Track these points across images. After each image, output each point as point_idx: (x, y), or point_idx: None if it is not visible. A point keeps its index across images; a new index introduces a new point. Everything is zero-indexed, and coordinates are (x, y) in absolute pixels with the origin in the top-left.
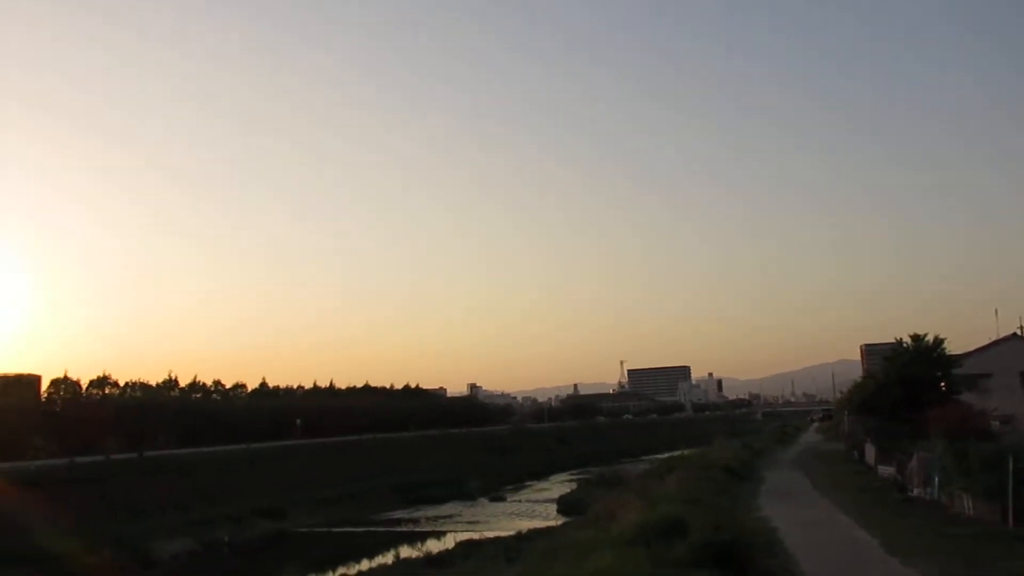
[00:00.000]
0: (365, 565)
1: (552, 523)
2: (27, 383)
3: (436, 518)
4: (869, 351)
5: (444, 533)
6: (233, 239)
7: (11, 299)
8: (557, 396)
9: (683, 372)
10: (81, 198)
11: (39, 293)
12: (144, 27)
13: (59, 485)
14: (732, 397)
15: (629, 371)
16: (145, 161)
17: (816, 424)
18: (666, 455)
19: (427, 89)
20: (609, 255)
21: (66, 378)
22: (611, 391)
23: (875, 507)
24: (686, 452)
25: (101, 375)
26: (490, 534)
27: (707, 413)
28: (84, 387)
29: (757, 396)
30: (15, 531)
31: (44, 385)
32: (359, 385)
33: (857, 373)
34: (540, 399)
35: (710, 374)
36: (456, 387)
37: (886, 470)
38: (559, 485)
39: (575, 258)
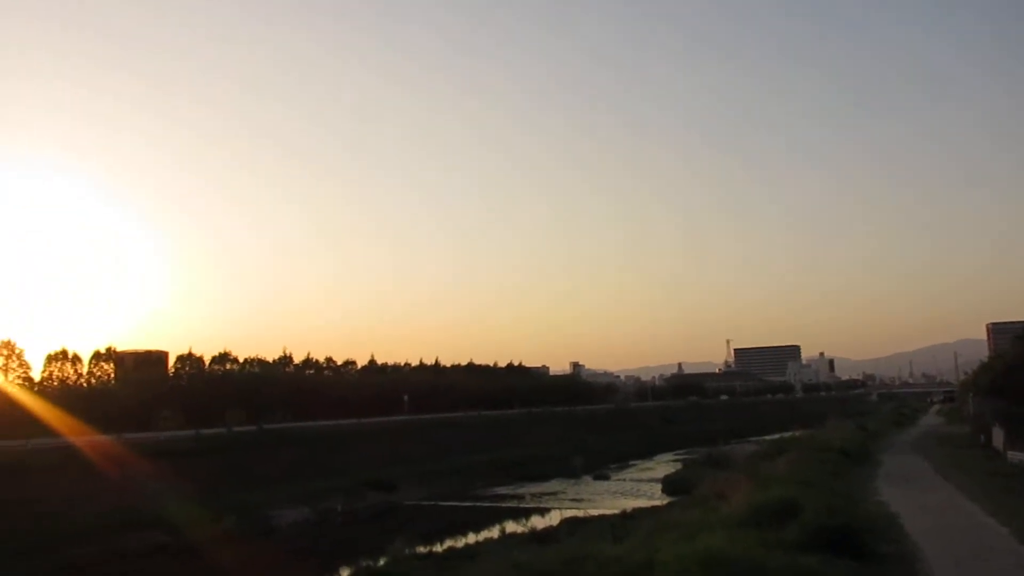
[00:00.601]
0: (471, 539)
1: (657, 503)
2: (156, 359)
3: (540, 495)
4: (996, 330)
5: (548, 510)
6: (352, 222)
7: (143, 280)
8: (661, 375)
9: (792, 351)
10: (215, 185)
11: (168, 275)
12: (272, 20)
13: (186, 455)
14: (844, 378)
15: (735, 350)
16: (276, 148)
17: (937, 406)
18: (775, 436)
19: (552, 78)
20: (717, 233)
21: (191, 355)
22: (717, 370)
23: (1005, 494)
24: (796, 434)
25: (222, 352)
26: (594, 512)
27: (819, 394)
28: (207, 363)
29: (872, 377)
30: (146, 497)
31: (171, 361)
32: (463, 363)
33: (983, 353)
34: (643, 378)
35: (821, 354)
36: (558, 366)
37: (1017, 456)
38: (663, 465)
39: (679, 236)
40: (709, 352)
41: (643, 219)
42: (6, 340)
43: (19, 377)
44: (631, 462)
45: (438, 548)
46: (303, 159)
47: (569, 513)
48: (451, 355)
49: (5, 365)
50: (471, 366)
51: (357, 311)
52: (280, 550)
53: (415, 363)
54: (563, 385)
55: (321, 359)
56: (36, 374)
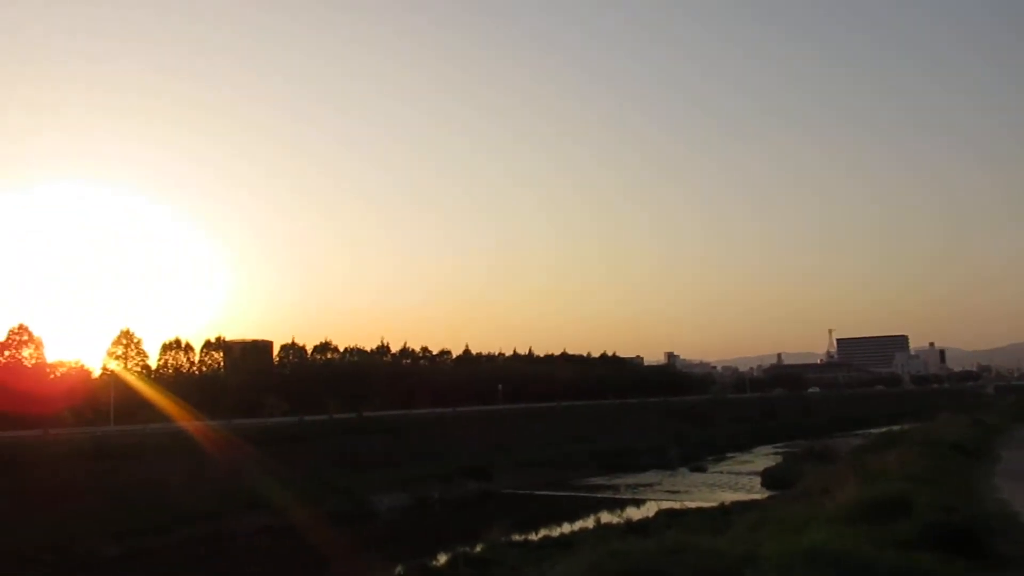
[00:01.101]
0: (566, 528)
1: (756, 496)
2: (262, 348)
3: (635, 486)
4: None
5: (644, 501)
6: (452, 214)
7: (252, 273)
8: (759, 366)
9: (900, 342)
10: (327, 177)
11: (275, 267)
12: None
13: (290, 441)
14: (956, 369)
15: (838, 340)
16: (395, 140)
17: None
18: (882, 430)
19: (648, 75)
20: (816, 220)
21: (294, 344)
22: (818, 361)
23: None
24: (905, 427)
25: (323, 341)
26: (691, 504)
27: (930, 387)
28: (309, 352)
29: (987, 368)
30: (253, 480)
31: (275, 350)
32: (557, 353)
33: None
34: (741, 368)
35: (931, 344)
36: (653, 356)
37: None
38: (762, 458)
39: (777, 222)
40: (810, 342)
41: (738, 206)
42: (125, 330)
43: (137, 365)
44: (728, 454)
45: (533, 536)
46: (410, 148)
47: (665, 505)
48: (545, 345)
49: (125, 354)
50: (565, 356)
51: (453, 301)
52: (379, 533)
53: (509, 353)
54: (658, 375)
55: (417, 349)
56: (153, 362)
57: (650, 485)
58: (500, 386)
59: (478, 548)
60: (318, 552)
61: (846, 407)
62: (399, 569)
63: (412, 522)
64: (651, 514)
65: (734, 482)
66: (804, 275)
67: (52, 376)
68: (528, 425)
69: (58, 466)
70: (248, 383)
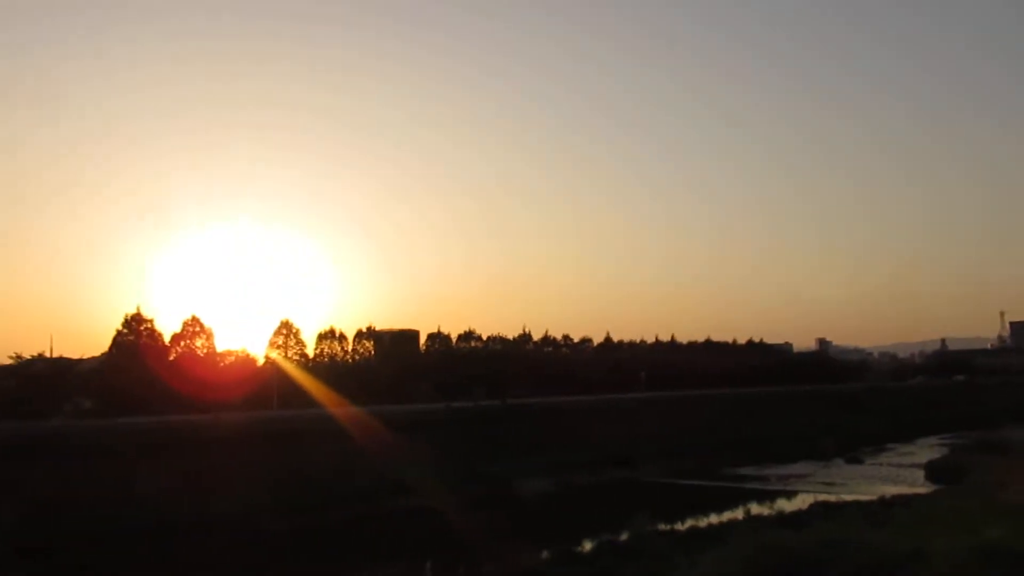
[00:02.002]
0: (714, 519)
1: (919, 490)
2: (409, 337)
3: (786, 477)
4: None
5: (795, 493)
6: (591, 200)
7: (398, 265)
8: (921, 351)
9: None
10: (446, 177)
11: (420, 259)
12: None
13: (437, 427)
14: None
15: (1011, 323)
16: (534, 127)
17: None
18: None
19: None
20: (983, 193)
21: (439, 333)
22: (988, 346)
23: None
24: None
25: (467, 330)
26: (848, 497)
27: None
28: (454, 340)
29: None
30: (402, 464)
31: (422, 339)
32: (700, 340)
33: None
34: (900, 354)
35: None
36: (804, 342)
37: None
38: (926, 449)
39: (943, 198)
40: (978, 326)
41: (897, 181)
42: (285, 320)
43: (296, 354)
44: (888, 445)
45: (679, 526)
46: (549, 136)
47: (819, 497)
48: (689, 332)
49: (285, 343)
50: (709, 343)
51: (594, 289)
52: (523, 518)
53: (651, 340)
54: (809, 362)
55: (559, 337)
56: (310, 351)
57: (802, 476)
58: (643, 373)
59: (623, 536)
60: (464, 535)
61: (1021, 396)
62: (545, 554)
63: (556, 508)
64: (804, 506)
65: (894, 475)
66: (971, 254)
67: (222, 364)
68: (672, 413)
69: (228, 448)
70: (396, 371)
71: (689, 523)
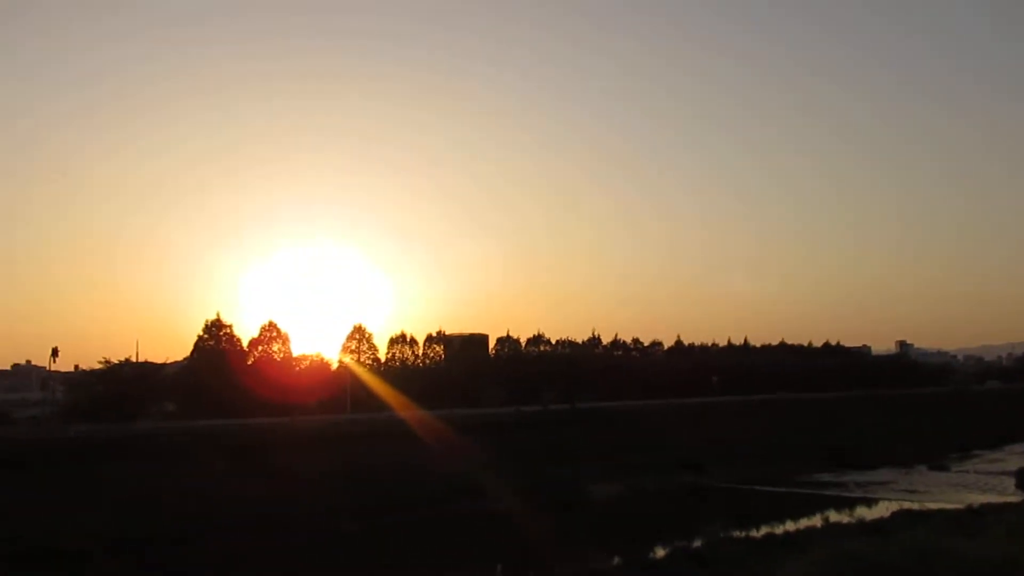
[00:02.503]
0: (790, 526)
1: (1010, 498)
2: (479, 341)
3: (866, 484)
4: None
5: (876, 500)
6: (662, 208)
7: (467, 270)
8: (1010, 353)
9: None
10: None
11: (489, 263)
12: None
13: (506, 430)
14: None
15: None
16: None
17: None
18: None
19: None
20: None
21: (508, 336)
22: None
23: None
24: None
25: (536, 334)
26: (933, 505)
27: None
28: (523, 344)
29: None
30: (471, 467)
31: (491, 343)
32: (775, 343)
33: None
34: (986, 357)
35: None
36: (882, 344)
37: None
38: (1015, 456)
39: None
40: None
41: (988, 178)
42: (358, 325)
43: (369, 358)
44: (974, 452)
45: (754, 533)
46: (622, 140)
47: (903, 505)
48: (762, 335)
49: (358, 348)
50: (784, 346)
51: (664, 292)
52: (593, 523)
53: (723, 343)
54: (888, 366)
55: (628, 340)
56: (382, 355)
57: (883, 483)
58: (715, 377)
59: (696, 543)
60: (534, 539)
61: None
62: (616, 560)
63: (626, 513)
64: (886, 514)
65: (982, 482)
66: None
67: (297, 368)
68: (745, 418)
69: (304, 450)
70: (466, 374)
71: (764, 530)
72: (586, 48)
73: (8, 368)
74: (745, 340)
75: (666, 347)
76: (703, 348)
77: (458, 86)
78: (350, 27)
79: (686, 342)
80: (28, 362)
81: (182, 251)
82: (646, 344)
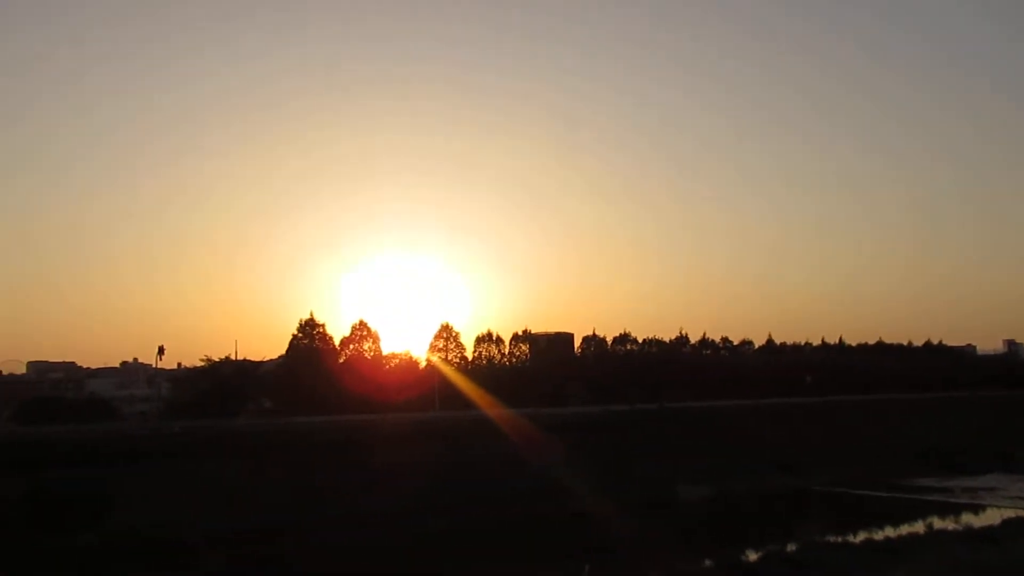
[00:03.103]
0: (890, 531)
1: None
2: (563, 340)
3: (973, 489)
4: None
5: (983, 507)
6: (750, 205)
7: (549, 267)
8: None
9: None
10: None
11: (574, 261)
12: None
13: (593, 430)
14: None
15: None
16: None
17: None
18: None
19: None
20: None
21: (594, 335)
22: None
23: None
24: None
25: (622, 332)
26: None
27: None
28: (609, 343)
29: None
30: (558, 466)
31: (577, 342)
32: (871, 342)
33: None
34: None
35: None
36: (988, 344)
37: None
38: None
39: None
40: None
41: None
42: (445, 324)
43: (456, 357)
44: None
45: (852, 539)
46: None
47: (1013, 512)
48: (857, 333)
49: (445, 346)
50: (881, 345)
51: (754, 290)
52: (682, 524)
53: (816, 342)
54: (996, 366)
55: (717, 339)
56: (468, 354)
57: (991, 489)
58: (808, 377)
59: (790, 547)
60: (622, 540)
61: None
62: (707, 562)
63: (715, 515)
64: (996, 522)
65: None
66: None
67: (387, 366)
68: (840, 418)
69: (393, 446)
70: (552, 373)
71: (863, 535)
72: (655, 46)
73: (117, 366)
74: (840, 339)
75: (757, 346)
76: (795, 347)
77: (530, 88)
78: (444, 35)
79: (778, 341)
80: (135, 360)
81: (279, 254)
82: (736, 343)
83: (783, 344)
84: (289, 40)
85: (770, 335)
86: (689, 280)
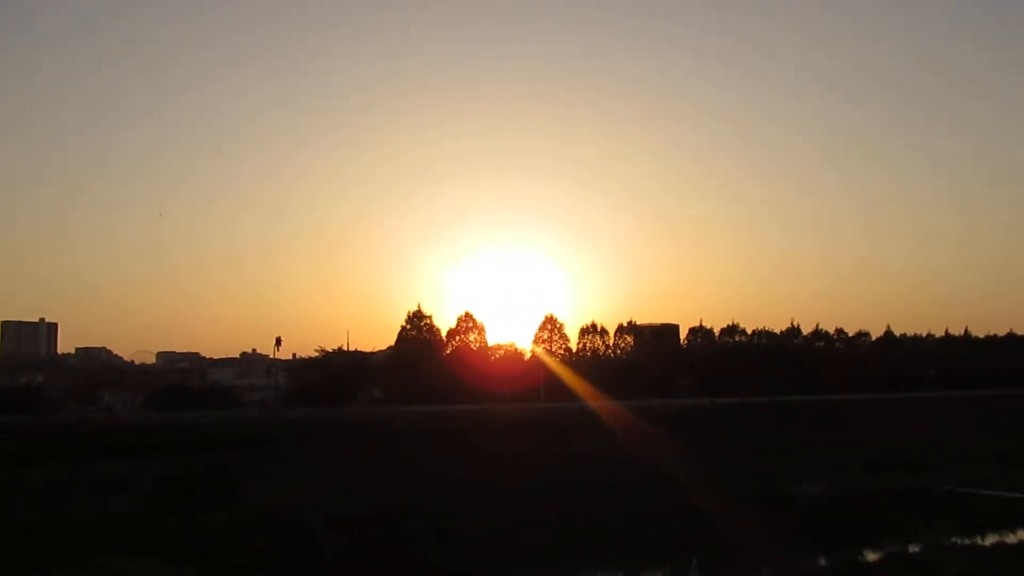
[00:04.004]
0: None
1: None
2: (669, 331)
3: None
4: None
5: None
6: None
7: (654, 257)
8: None
9: None
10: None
11: (679, 252)
12: None
13: (700, 423)
14: None
15: None
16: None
17: None
18: None
19: None
20: None
21: (701, 327)
22: None
23: None
24: None
25: (731, 323)
26: None
27: None
28: (717, 334)
29: None
30: (665, 459)
31: (683, 333)
32: (1001, 334)
33: None
34: None
35: None
36: None
37: None
38: None
39: None
40: None
41: None
42: (550, 315)
43: (560, 348)
44: None
45: (981, 541)
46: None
47: None
48: (985, 325)
49: (549, 337)
50: (1011, 337)
51: (871, 280)
52: (794, 522)
53: (940, 334)
54: None
55: (831, 330)
56: (573, 345)
57: None
58: (931, 371)
59: (914, 548)
60: (733, 536)
61: None
62: (823, 561)
63: (832, 513)
64: None
65: None
66: None
67: (492, 357)
68: (969, 415)
69: (500, 437)
70: (657, 365)
71: (993, 538)
72: (753, 41)
73: (238, 356)
74: (965, 330)
75: (874, 338)
76: (916, 339)
77: (629, 84)
78: (546, 33)
79: (897, 332)
80: (254, 350)
81: (387, 249)
82: (851, 335)
83: (903, 336)
84: (397, 43)
85: (888, 326)
86: (801, 270)
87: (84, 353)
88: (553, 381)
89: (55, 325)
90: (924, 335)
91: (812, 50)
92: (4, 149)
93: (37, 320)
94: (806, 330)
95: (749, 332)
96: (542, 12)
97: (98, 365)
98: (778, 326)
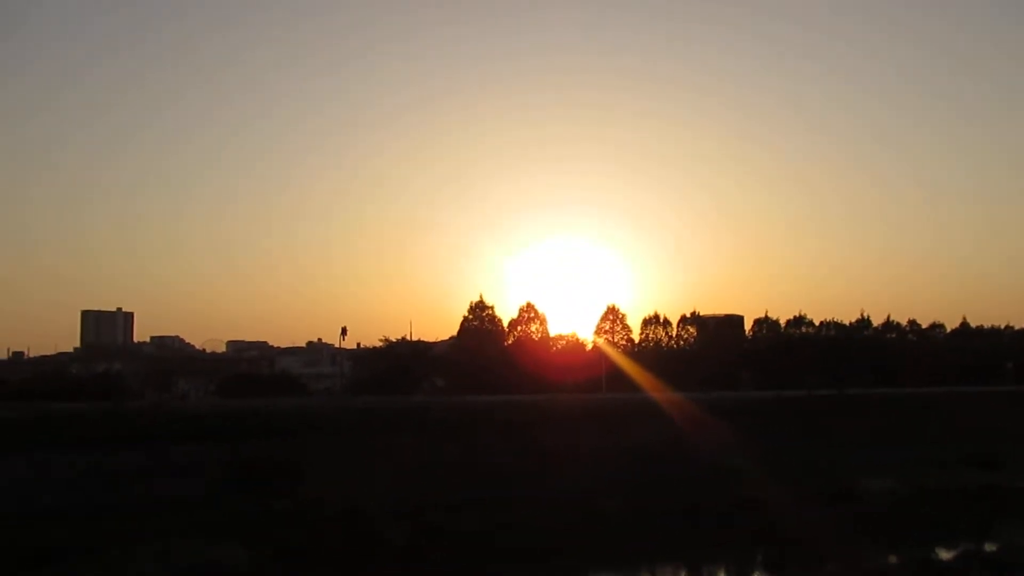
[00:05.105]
0: None
1: None
2: (733, 322)
3: None
4: None
5: None
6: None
7: (721, 248)
8: None
9: None
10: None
11: (741, 242)
12: None
13: (765, 415)
14: None
15: None
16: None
17: None
18: None
19: None
20: None
21: (767, 317)
22: None
23: None
24: None
25: (797, 315)
26: None
27: None
28: (782, 326)
29: None
30: (728, 452)
31: (747, 324)
32: None
33: None
34: None
35: None
36: None
37: None
38: None
39: None
40: None
41: None
42: (612, 305)
43: (622, 339)
44: None
45: None
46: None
47: None
48: None
49: (611, 328)
50: None
51: (945, 270)
52: (862, 518)
53: (1018, 326)
54: None
55: (903, 322)
56: (635, 336)
57: None
58: (1009, 364)
59: (990, 547)
60: (799, 531)
61: None
62: (893, 559)
63: (902, 510)
64: None
65: None
66: None
67: (554, 348)
68: None
69: (562, 427)
70: (721, 357)
71: None
72: (818, 35)
73: (304, 345)
74: None
75: (948, 329)
76: (993, 331)
77: (698, 77)
78: (611, 27)
79: (973, 324)
80: (320, 340)
81: (449, 240)
82: (924, 326)
83: (979, 328)
84: (457, 34)
85: (964, 318)
86: (869, 261)
87: (159, 342)
88: (615, 372)
89: (131, 315)
90: (1002, 327)
91: (883, 39)
92: (79, 152)
93: (114, 310)
94: (876, 321)
95: (816, 323)
96: (615, 4)
97: (172, 353)
98: (847, 317)
